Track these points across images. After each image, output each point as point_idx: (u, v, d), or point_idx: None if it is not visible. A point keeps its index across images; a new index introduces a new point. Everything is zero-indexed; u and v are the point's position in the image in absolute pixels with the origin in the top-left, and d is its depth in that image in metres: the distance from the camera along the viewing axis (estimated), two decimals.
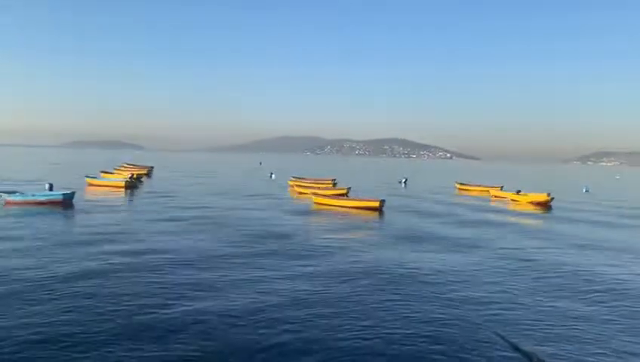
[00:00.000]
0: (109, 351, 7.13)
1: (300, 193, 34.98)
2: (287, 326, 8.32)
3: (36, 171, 52.91)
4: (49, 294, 9.57)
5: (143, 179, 44.02)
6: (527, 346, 7.68)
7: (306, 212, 23.88)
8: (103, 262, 12.24)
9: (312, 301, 9.75)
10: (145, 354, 7.09)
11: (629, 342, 8.13)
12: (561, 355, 7.48)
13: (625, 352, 7.70)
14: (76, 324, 8.07)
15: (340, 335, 7.99)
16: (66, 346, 7.25)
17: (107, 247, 14.04)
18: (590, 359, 7.41)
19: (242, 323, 8.43)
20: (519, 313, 9.41)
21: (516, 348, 7.09)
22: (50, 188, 28.57)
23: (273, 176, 55.70)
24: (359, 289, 10.69)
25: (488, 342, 7.85)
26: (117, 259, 12.61)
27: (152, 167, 63.69)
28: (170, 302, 9.39)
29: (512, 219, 23.94)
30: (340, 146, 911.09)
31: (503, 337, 7.72)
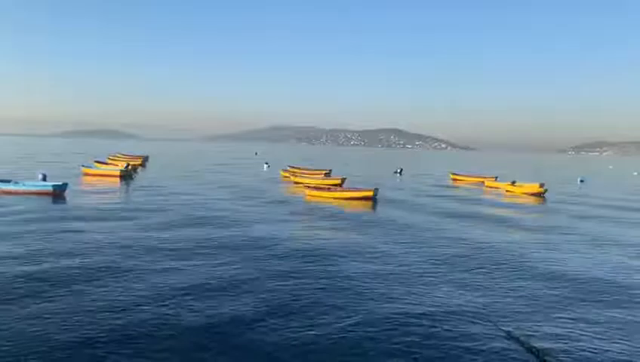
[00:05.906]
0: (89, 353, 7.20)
1: (295, 183, 35.00)
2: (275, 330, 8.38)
3: (35, 162, 52.56)
4: None
5: (138, 170, 43.80)
6: (535, 343, 7.50)
7: (299, 205, 23.84)
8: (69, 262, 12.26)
9: (305, 302, 9.79)
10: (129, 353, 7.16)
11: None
12: (568, 351, 7.44)
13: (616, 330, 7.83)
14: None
15: (334, 335, 8.07)
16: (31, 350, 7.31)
17: (83, 241, 14.03)
18: (598, 355, 7.42)
19: (230, 324, 8.49)
20: (518, 309, 9.44)
21: (524, 345, 7.05)
22: (44, 179, 28.41)
23: (266, 166, 55.27)
24: (354, 286, 10.75)
25: (494, 340, 7.91)
26: (91, 258, 12.61)
27: (147, 157, 63.10)
28: (151, 298, 9.44)
29: (505, 211, 24.07)
30: (336, 137, 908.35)
31: (509, 334, 7.66)
